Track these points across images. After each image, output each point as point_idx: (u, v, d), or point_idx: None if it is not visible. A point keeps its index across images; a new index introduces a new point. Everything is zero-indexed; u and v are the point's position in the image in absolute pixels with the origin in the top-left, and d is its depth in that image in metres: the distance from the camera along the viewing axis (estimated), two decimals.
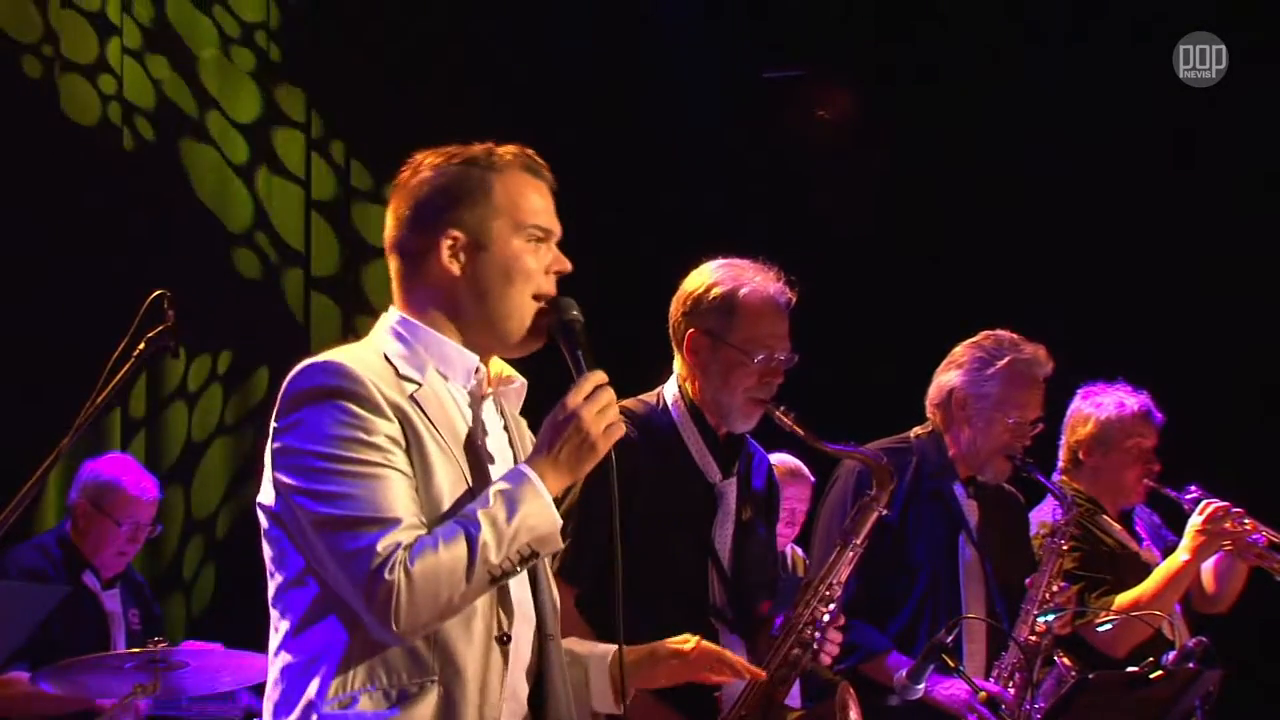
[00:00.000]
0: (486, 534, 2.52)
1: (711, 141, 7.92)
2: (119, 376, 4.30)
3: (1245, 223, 7.23)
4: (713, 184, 7.83)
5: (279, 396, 2.63)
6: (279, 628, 2.64)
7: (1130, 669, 4.25)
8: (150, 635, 5.10)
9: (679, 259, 3.98)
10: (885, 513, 3.83)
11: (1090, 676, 4.06)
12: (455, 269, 2.70)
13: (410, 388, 2.63)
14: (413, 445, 2.59)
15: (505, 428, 2.82)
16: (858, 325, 7.53)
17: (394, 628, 2.48)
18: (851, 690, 3.71)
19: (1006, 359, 4.51)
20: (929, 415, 4.64)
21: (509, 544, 2.53)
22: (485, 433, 2.75)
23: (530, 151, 2.79)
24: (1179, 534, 4.99)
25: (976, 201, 7.66)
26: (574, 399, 2.62)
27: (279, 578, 2.63)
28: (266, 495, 2.63)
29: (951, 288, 7.34)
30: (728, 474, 3.78)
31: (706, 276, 3.80)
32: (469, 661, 2.59)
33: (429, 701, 2.55)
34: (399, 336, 2.71)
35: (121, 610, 5.46)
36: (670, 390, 3.82)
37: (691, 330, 3.76)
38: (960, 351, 4.60)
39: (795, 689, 3.73)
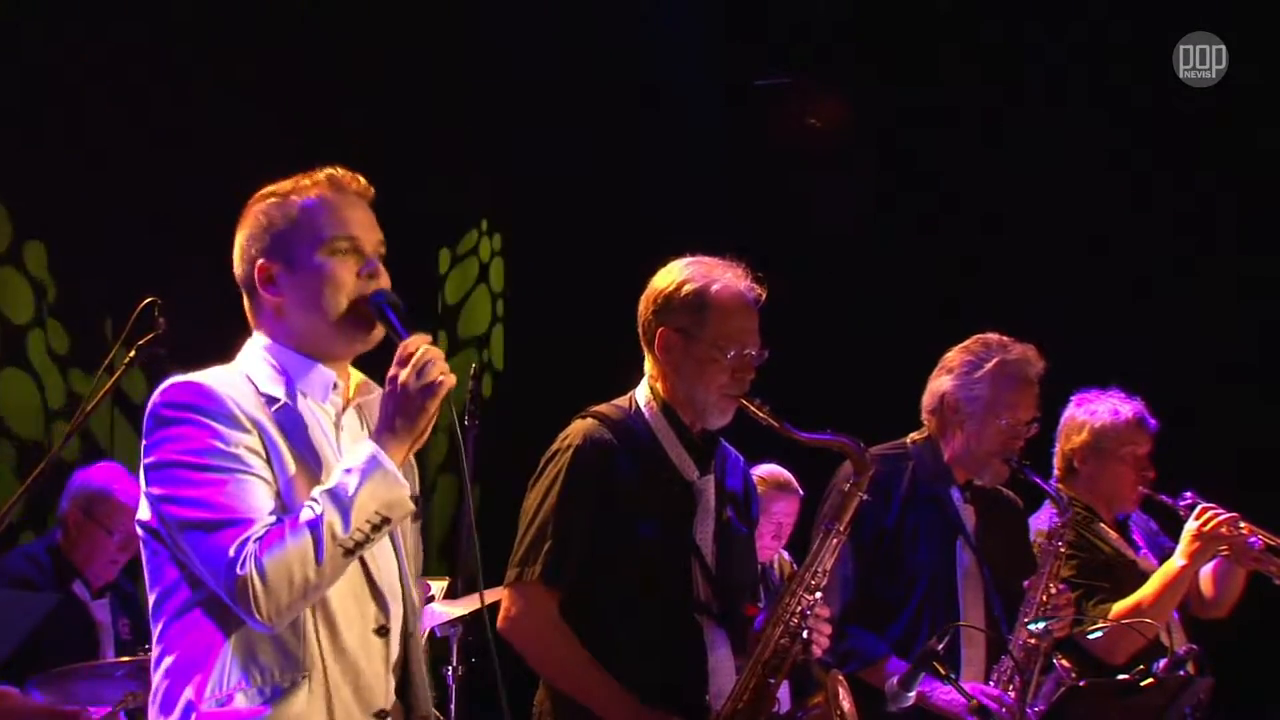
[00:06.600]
0: (329, 510, 2.65)
1: (707, 146, 7.92)
2: (109, 384, 4.29)
3: (1240, 224, 7.22)
4: (708, 187, 7.83)
5: (145, 416, 2.78)
6: (158, 635, 2.80)
7: (1121, 676, 4.25)
8: (141, 644, 5.07)
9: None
10: (866, 498, 3.82)
11: (1081, 684, 4.06)
12: (276, 298, 2.85)
13: (273, 405, 2.80)
14: (273, 456, 2.75)
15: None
16: (851, 329, 7.53)
17: (258, 617, 2.63)
18: (842, 678, 3.71)
19: (995, 361, 4.51)
20: (924, 421, 4.64)
21: (356, 515, 2.66)
22: (346, 443, 2.88)
23: None
24: (1175, 540, 4.97)
25: (971, 203, 7.67)
26: (393, 368, 2.75)
27: (157, 589, 2.79)
28: (143, 512, 2.78)
29: (947, 291, 7.33)
30: (704, 471, 3.77)
31: (676, 274, 3.78)
32: (345, 654, 2.76)
33: (300, 697, 2.71)
34: (263, 359, 2.87)
35: (111, 620, 5.43)
36: (642, 392, 3.81)
37: (662, 329, 3.75)
38: (951, 356, 4.60)
39: (784, 689, 3.71)
